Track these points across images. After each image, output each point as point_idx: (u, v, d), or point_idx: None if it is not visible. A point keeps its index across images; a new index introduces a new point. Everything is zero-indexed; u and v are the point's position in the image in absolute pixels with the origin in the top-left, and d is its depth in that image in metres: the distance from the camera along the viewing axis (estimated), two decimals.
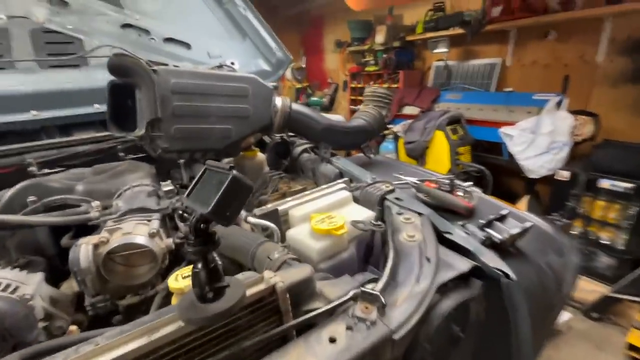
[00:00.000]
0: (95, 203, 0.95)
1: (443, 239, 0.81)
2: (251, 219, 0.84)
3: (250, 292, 0.54)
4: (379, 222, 0.89)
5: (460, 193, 1.10)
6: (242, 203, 0.47)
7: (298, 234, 0.87)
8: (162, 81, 1.07)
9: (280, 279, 0.56)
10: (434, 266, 0.65)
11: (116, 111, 1.10)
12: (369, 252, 0.91)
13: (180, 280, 0.67)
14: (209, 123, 1.15)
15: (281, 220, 0.96)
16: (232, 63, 1.76)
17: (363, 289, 0.57)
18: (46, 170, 1.19)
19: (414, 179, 1.23)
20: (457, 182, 1.17)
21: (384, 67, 4.67)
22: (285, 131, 1.45)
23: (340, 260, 0.84)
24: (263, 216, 0.90)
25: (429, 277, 0.62)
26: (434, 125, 3.09)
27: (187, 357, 0.48)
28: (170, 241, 0.88)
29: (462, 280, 0.70)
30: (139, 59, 1.04)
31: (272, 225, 0.83)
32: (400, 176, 1.27)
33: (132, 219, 0.87)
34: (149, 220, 0.87)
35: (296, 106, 1.31)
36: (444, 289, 0.66)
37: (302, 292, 0.58)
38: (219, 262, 0.50)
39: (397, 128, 3.54)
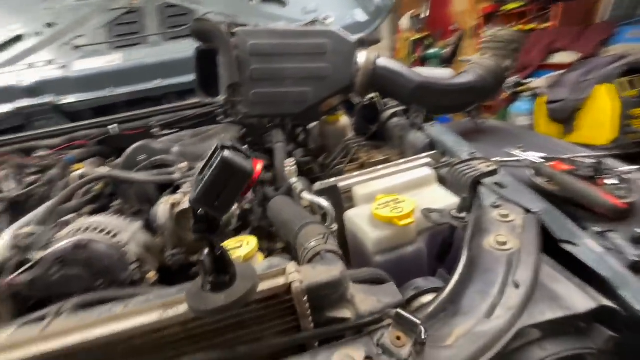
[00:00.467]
0: (183, 164, 1.05)
1: (560, 253, 0.56)
2: (306, 195, 0.77)
3: (264, 286, 0.47)
4: (463, 215, 0.68)
5: (610, 181, 0.74)
6: (236, 190, 0.39)
7: (357, 216, 0.75)
8: (240, 43, 1.05)
9: (300, 278, 0.47)
10: (524, 295, 0.45)
11: (205, 77, 1.16)
12: (446, 250, 0.72)
13: None
14: (284, 86, 1.09)
15: (343, 198, 0.85)
16: (325, 18, 1.62)
17: (400, 311, 0.43)
18: (165, 132, 1.39)
19: (536, 156, 0.90)
20: (610, 162, 0.80)
21: (531, 1, 3.62)
22: (373, 92, 1.27)
23: (402, 255, 0.69)
24: (321, 192, 0.81)
25: (509, 312, 0.43)
26: (597, 78, 2.26)
27: (191, 340, 0.46)
28: (234, 207, 0.90)
29: (575, 320, 0.46)
30: (216, 23, 1.04)
31: (326, 204, 0.74)
32: (516, 152, 0.95)
33: None
34: None
35: (383, 61, 1.11)
36: (540, 330, 0.45)
37: (327, 296, 0.48)
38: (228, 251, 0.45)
39: (538, 83, 2.77)
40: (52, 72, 1.54)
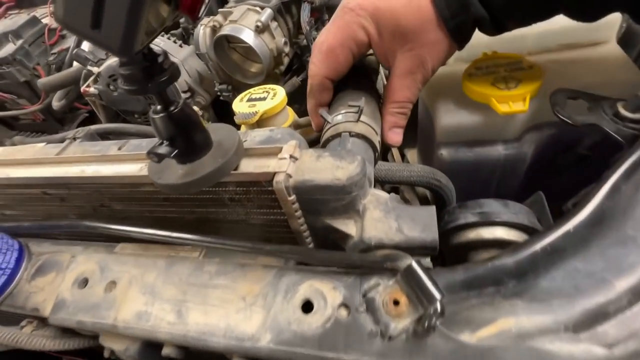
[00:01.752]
0: None
1: None
2: None
3: (243, 167, 0.34)
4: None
5: None
6: (133, 9, 0.20)
7: (436, 82, 0.48)
8: None
9: (289, 170, 0.32)
10: None
11: None
12: (570, 163, 0.44)
13: (244, 102, 0.53)
14: None
15: None
16: None
17: (415, 265, 0.26)
18: None
19: None
20: None
21: None
22: None
23: (486, 157, 0.44)
24: None
25: (631, 342, 0.22)
26: None
27: (161, 204, 0.40)
28: (282, 41, 0.69)
29: None
30: None
31: None
32: None
33: (248, 1, 0.69)
34: (262, 8, 0.68)
35: None
36: None
37: (326, 200, 0.33)
38: (194, 109, 0.31)
39: None
40: None
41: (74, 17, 0.20)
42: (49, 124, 1.10)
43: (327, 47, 0.40)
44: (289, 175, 0.32)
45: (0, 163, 0.48)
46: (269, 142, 0.38)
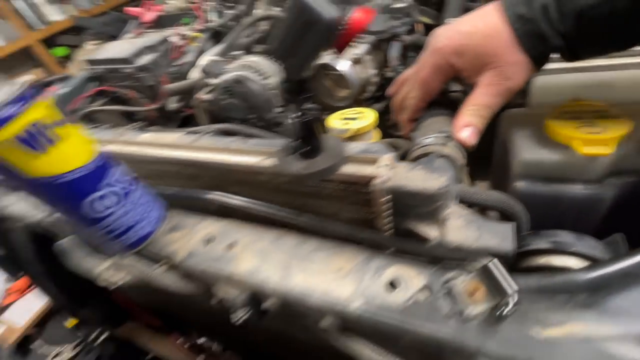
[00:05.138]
0: None
1: None
2: None
3: (346, 169, 0.43)
4: None
5: None
6: (314, 43, 0.29)
7: (517, 118, 0.53)
8: None
9: (386, 176, 0.40)
10: None
11: None
12: None
13: (339, 120, 0.63)
14: None
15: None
16: None
17: (494, 266, 0.31)
18: None
19: None
20: None
21: None
22: None
23: (563, 195, 0.47)
24: None
25: None
26: None
27: (270, 192, 0.49)
28: (372, 73, 0.79)
29: None
30: None
31: None
32: None
33: None
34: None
35: None
36: None
37: (413, 206, 0.40)
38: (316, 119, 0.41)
39: None
40: None
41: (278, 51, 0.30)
42: (158, 121, 1.32)
43: (422, 79, 0.50)
44: (385, 180, 0.39)
45: (149, 145, 0.62)
46: (368, 152, 0.46)
